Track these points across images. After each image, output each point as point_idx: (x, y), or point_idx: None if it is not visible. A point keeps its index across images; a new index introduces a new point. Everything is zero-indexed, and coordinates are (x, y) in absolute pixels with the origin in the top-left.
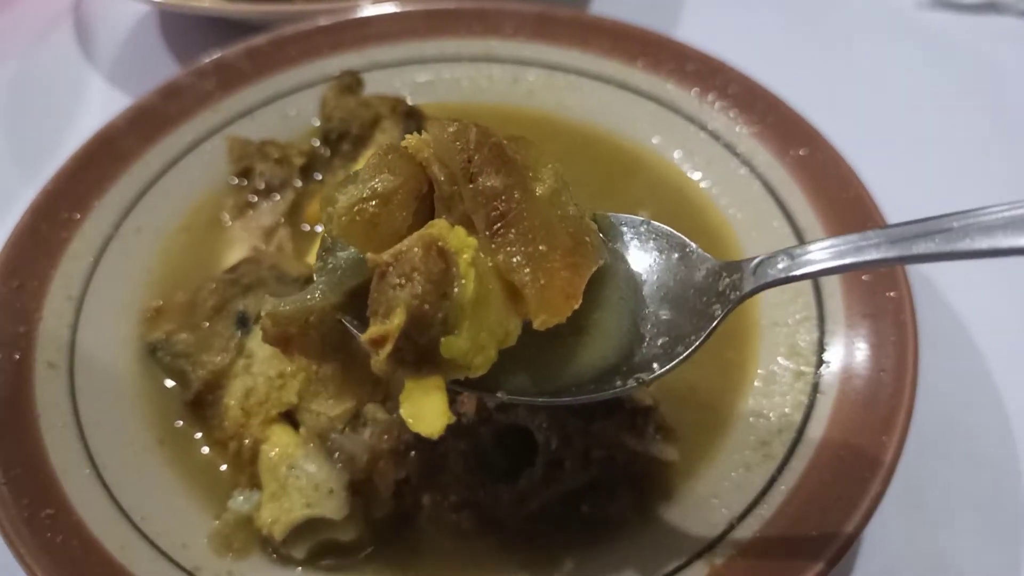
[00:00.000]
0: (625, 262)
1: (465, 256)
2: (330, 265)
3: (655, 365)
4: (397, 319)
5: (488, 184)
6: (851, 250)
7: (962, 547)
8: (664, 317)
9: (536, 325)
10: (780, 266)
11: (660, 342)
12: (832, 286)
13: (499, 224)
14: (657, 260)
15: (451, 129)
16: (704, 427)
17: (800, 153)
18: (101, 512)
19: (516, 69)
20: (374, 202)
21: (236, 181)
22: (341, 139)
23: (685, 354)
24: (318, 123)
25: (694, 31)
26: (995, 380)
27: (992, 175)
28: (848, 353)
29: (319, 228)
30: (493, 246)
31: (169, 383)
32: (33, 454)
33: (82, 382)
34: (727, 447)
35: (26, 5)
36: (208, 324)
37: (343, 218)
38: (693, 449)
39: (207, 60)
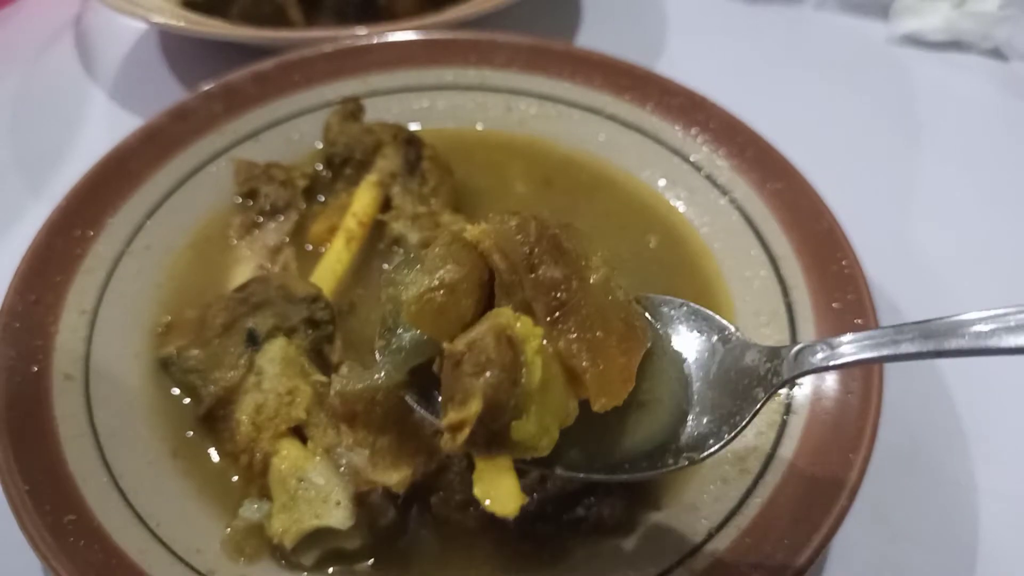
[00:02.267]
0: (669, 342)
1: (532, 344)
2: (394, 346)
3: (708, 442)
4: (475, 406)
5: (548, 275)
6: (887, 343)
7: (923, 559)
8: (708, 397)
9: (596, 408)
10: (819, 356)
11: (705, 420)
12: (805, 313)
13: (559, 312)
14: (698, 341)
15: (513, 223)
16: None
17: (777, 186)
18: (119, 518)
19: (509, 98)
20: (442, 291)
21: (241, 201)
22: (344, 164)
23: (733, 434)
24: (320, 146)
25: (678, 62)
26: (954, 403)
27: (957, 201)
28: (818, 378)
29: (323, 249)
30: (554, 333)
31: (181, 396)
32: (53, 462)
33: (97, 394)
34: (708, 462)
35: (25, 20)
36: (218, 341)
37: (413, 307)
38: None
39: (214, 83)
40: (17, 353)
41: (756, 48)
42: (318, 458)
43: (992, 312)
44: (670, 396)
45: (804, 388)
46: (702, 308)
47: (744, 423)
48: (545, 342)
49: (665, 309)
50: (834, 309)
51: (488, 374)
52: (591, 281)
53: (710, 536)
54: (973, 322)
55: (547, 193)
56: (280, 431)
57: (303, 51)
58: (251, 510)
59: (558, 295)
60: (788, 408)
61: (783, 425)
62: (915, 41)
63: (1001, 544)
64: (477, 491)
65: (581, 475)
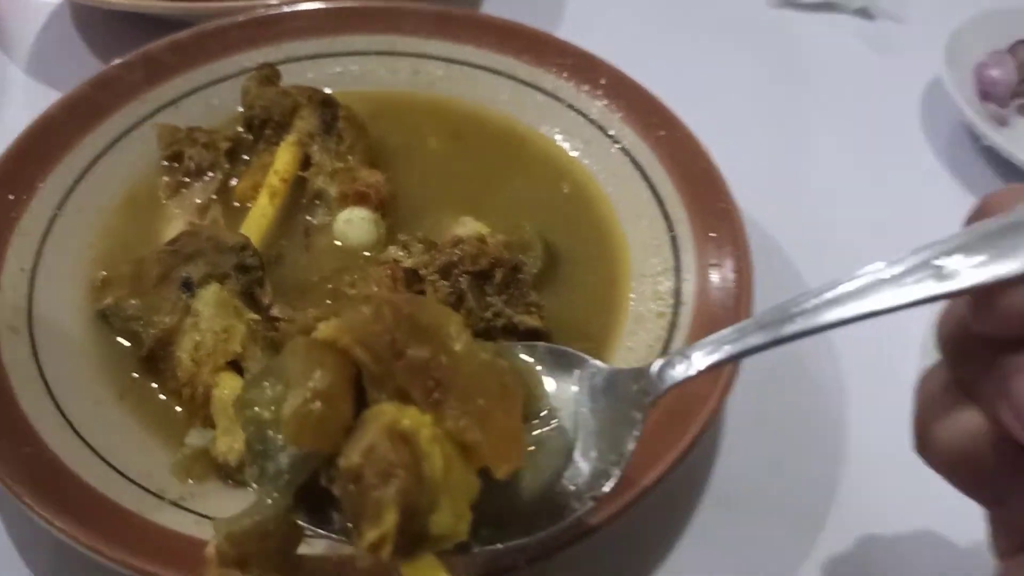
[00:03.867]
0: (539, 385)
1: (425, 433)
2: (271, 471)
3: (605, 477)
4: (390, 518)
5: (417, 357)
6: (734, 341)
7: (796, 455)
8: (589, 430)
9: (500, 475)
10: (679, 368)
11: (593, 455)
12: (687, 244)
13: (436, 392)
14: (564, 378)
15: (367, 311)
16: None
17: (660, 134)
18: (74, 451)
19: (417, 62)
20: (318, 402)
21: (167, 165)
22: (263, 125)
23: (625, 460)
24: (241, 110)
25: (574, 30)
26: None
27: (830, 146)
28: (700, 295)
29: (248, 205)
30: (438, 414)
31: (123, 342)
32: (6, 403)
33: (43, 344)
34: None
35: None
36: (154, 290)
37: (292, 425)
38: None
39: (133, 53)
40: None
41: (650, 14)
42: None
43: (811, 291)
44: (554, 437)
45: (687, 307)
46: (559, 346)
47: (632, 445)
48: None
49: (525, 356)
50: (712, 238)
51: (395, 481)
52: (457, 350)
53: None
54: (801, 304)
55: (457, 146)
56: (219, 365)
57: (219, 21)
58: (196, 438)
59: (432, 374)
60: (673, 325)
61: (668, 340)
62: (792, 4)
63: (867, 444)
64: None
65: (500, 546)
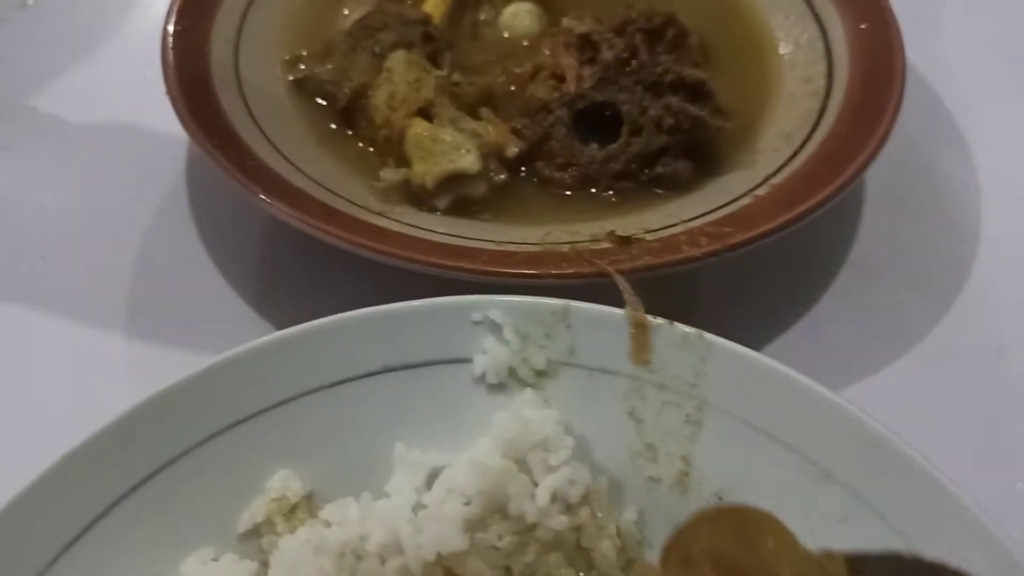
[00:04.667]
0: None
1: None
2: None
3: None
4: None
5: None
6: None
7: (935, 237)
8: None
9: None
10: None
11: None
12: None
13: None
14: None
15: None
16: (742, 129)
17: None
18: (288, 170)
19: None
20: None
21: None
22: None
23: None
24: None
25: None
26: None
27: None
28: (851, 87)
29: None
30: None
31: (319, 103)
32: (229, 133)
33: (251, 97)
34: (761, 138)
35: None
36: (346, 59)
37: None
38: (735, 137)
39: None
40: (184, 57)
41: None
42: (446, 126)
43: None
44: None
45: (837, 87)
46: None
47: None
48: None
49: None
50: (862, 29)
51: None
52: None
53: (769, 176)
54: None
55: None
56: (411, 110)
57: None
58: (390, 173)
59: None
60: (827, 95)
61: (822, 110)
62: None
63: (998, 231)
64: None
65: None
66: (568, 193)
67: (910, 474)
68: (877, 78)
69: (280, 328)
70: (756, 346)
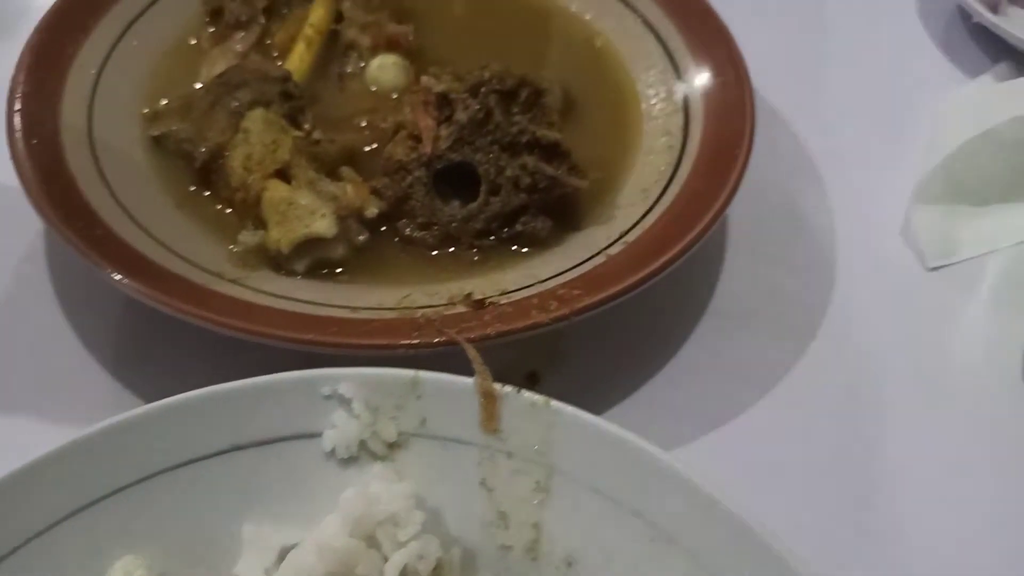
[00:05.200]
0: None
1: None
2: None
3: None
4: None
5: None
6: None
7: (793, 279)
8: None
9: None
10: None
11: None
12: (694, 88)
13: None
14: None
15: None
16: (601, 183)
17: None
18: (140, 238)
19: None
20: None
21: (209, 20)
22: None
23: None
24: None
25: None
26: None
27: (828, 24)
28: (704, 140)
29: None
30: None
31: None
32: (74, 196)
33: (104, 160)
34: (619, 194)
35: None
36: (205, 116)
37: None
38: (594, 193)
39: None
40: (32, 121)
41: None
42: (302, 189)
43: None
44: None
45: (692, 142)
46: None
47: None
48: None
49: None
50: (719, 82)
51: None
52: None
53: (624, 233)
54: None
55: (480, 9)
56: (268, 172)
57: None
58: (249, 236)
59: None
60: (681, 154)
61: (677, 164)
62: None
63: (854, 277)
64: None
65: None
66: (439, 251)
67: (742, 536)
68: (729, 133)
69: (146, 401)
70: (617, 399)
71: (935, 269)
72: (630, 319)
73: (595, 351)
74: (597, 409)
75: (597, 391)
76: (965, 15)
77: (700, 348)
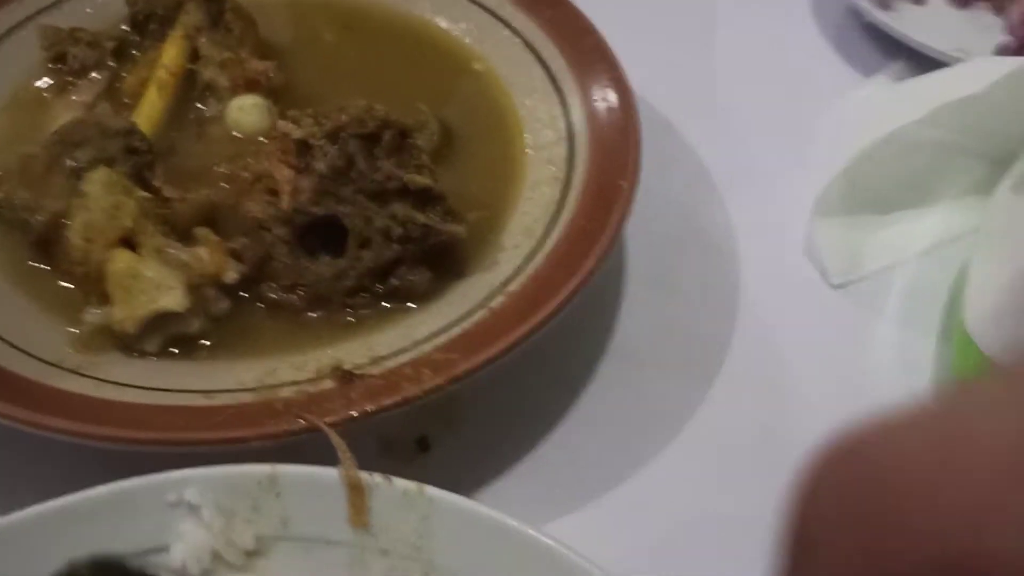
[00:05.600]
0: None
1: None
2: None
3: None
4: None
5: None
6: None
7: (691, 313)
8: None
9: None
10: None
11: None
12: (578, 113)
13: None
14: None
15: None
16: (485, 222)
17: (548, 14)
18: None
19: None
20: None
21: (52, 67)
22: (148, 20)
23: None
24: (125, 9)
25: None
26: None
27: (718, 26)
28: (590, 169)
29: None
30: None
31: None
32: None
33: None
34: (504, 234)
35: None
36: (41, 180)
37: None
38: (477, 235)
39: None
40: None
41: None
42: (148, 259)
43: None
44: None
45: (579, 170)
46: None
47: None
48: None
49: None
50: (602, 106)
51: None
52: None
53: (505, 283)
54: None
55: (352, 37)
56: (111, 241)
57: None
58: (93, 315)
59: None
60: (567, 185)
61: (563, 199)
62: None
63: (758, 302)
64: None
65: None
66: (309, 314)
67: None
68: (614, 161)
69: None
70: (519, 455)
71: (839, 286)
72: (527, 368)
73: (491, 407)
74: (496, 472)
75: (496, 454)
76: (857, 13)
77: (602, 394)
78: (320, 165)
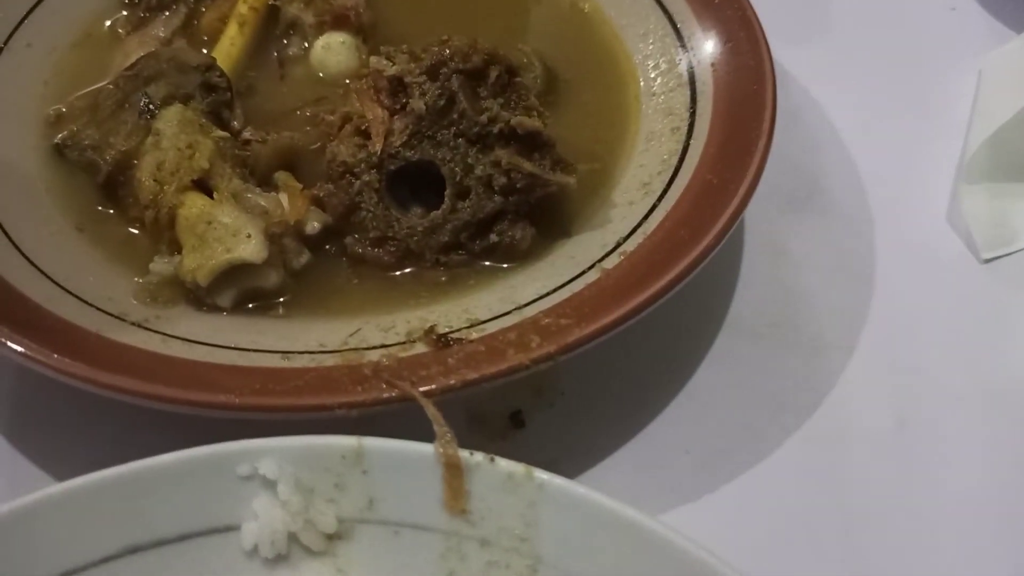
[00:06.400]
0: None
1: None
2: None
3: None
4: None
5: None
6: None
7: (822, 287)
8: None
9: None
10: None
11: None
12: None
13: None
14: None
15: None
16: (594, 176)
17: None
18: (23, 274)
19: None
20: None
21: (127, 1)
22: None
23: None
24: None
25: None
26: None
27: None
28: (716, 119)
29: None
30: None
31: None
32: None
33: None
34: (616, 189)
35: None
36: (112, 117)
37: None
38: (586, 189)
39: None
40: None
41: None
42: (224, 204)
43: None
44: None
45: (701, 123)
46: None
47: None
48: None
49: None
50: (728, 47)
51: None
52: None
53: (618, 244)
54: None
55: None
56: (184, 183)
57: None
58: (162, 264)
59: None
60: (689, 134)
61: (684, 151)
62: None
63: (895, 275)
64: None
65: None
66: (397, 272)
67: None
68: (745, 109)
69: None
70: (621, 441)
71: (989, 261)
72: (632, 338)
73: (592, 380)
74: (596, 457)
75: (597, 432)
76: None
77: (715, 371)
78: (418, 104)
